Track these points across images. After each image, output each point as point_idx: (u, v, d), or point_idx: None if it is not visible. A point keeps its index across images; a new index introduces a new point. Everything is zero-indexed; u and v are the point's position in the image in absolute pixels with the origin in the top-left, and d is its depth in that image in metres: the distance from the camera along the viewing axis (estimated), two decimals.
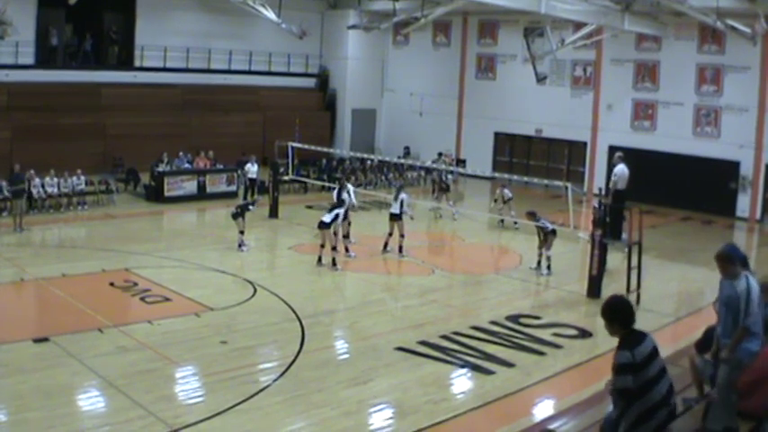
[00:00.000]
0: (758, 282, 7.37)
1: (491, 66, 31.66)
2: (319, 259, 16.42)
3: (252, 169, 23.44)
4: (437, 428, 9.12)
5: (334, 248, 16.41)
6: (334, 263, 16.32)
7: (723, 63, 25.31)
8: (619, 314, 5.55)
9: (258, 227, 19.98)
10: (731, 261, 6.62)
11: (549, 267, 16.70)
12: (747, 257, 6.88)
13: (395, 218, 17.72)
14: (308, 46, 30.84)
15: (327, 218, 16.32)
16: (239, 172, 24.95)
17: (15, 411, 8.92)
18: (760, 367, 6.36)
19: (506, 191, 21.49)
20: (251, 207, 18.16)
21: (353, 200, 18.68)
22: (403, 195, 17.89)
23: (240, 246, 17.52)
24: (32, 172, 20.66)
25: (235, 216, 17.67)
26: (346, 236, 18.05)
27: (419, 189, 27.33)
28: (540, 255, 16.83)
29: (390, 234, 17.86)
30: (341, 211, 16.72)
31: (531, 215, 17.20)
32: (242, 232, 17.58)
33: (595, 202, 20.54)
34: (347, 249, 17.52)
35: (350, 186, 17.50)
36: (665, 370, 5.64)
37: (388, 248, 17.91)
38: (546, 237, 16.68)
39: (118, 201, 22.66)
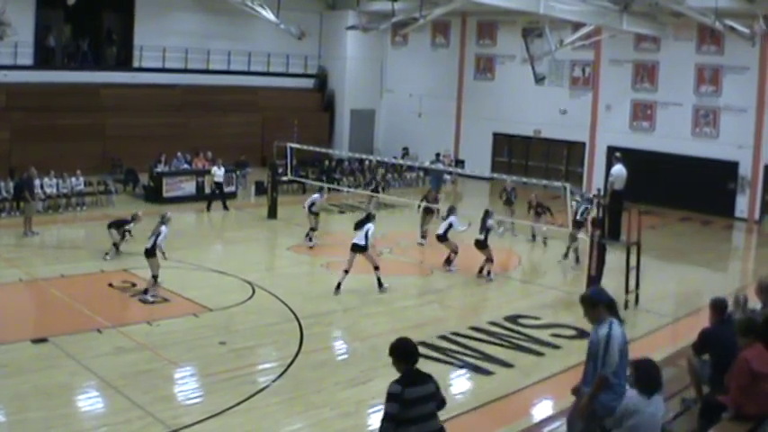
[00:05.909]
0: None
1: (490, 66, 31.68)
2: (338, 285, 14.60)
3: (218, 173, 22.70)
4: None
5: (377, 268, 14.86)
6: (380, 283, 14.88)
7: (722, 63, 25.34)
8: (398, 351, 5.93)
9: (257, 227, 19.96)
10: (593, 305, 6.28)
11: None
12: (615, 301, 6.45)
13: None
14: (306, 46, 30.82)
15: (361, 239, 14.66)
16: (238, 173, 24.96)
17: (14, 412, 8.93)
18: (757, 368, 6.36)
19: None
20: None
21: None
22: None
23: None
24: (34, 170, 20.43)
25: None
26: (314, 228, 18.44)
27: (418, 190, 27.28)
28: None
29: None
30: (371, 225, 14.86)
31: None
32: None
33: (578, 196, 20.37)
34: (309, 235, 18.24)
35: (370, 225, 14.88)
36: (433, 416, 5.91)
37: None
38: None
39: (117, 201, 22.59)
